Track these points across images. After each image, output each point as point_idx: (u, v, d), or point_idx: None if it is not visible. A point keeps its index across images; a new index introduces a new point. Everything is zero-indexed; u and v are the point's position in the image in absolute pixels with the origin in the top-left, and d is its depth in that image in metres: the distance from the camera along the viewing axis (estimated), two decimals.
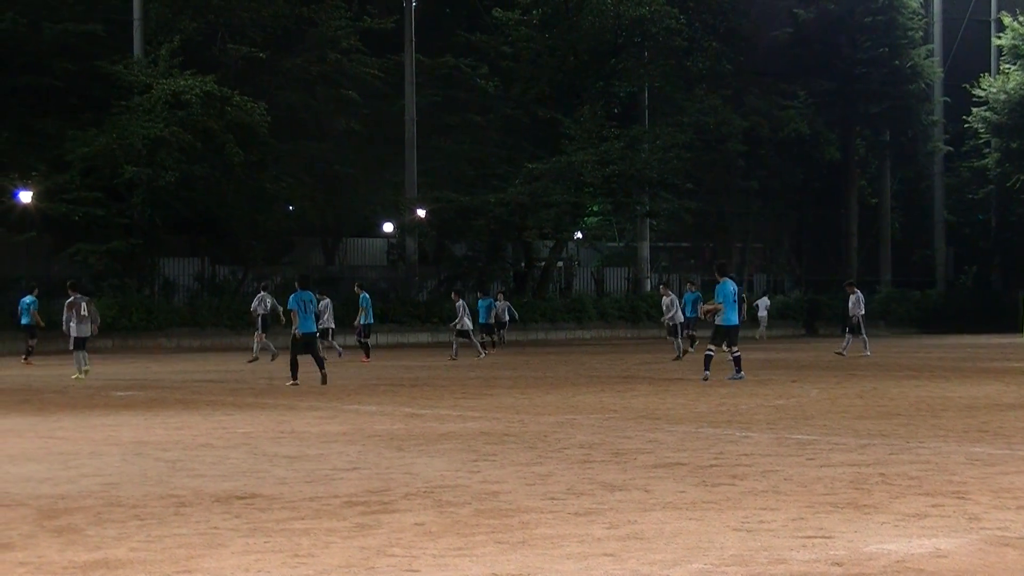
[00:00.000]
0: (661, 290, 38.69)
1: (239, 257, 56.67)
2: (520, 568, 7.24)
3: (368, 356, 37.53)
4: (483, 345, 42.54)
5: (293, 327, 25.81)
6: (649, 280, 66.94)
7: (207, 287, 55.49)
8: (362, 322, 38.20)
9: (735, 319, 25.71)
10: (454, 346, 39.41)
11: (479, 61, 61.78)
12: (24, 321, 38.54)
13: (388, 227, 64.97)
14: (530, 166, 58.36)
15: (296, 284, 26.79)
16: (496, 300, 48.09)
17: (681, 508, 9.32)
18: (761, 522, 8.69)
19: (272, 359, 36.00)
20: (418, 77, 60.37)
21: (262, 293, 37.90)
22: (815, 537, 8.16)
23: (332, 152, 58.45)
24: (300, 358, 25.85)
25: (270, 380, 27.89)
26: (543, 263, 65.86)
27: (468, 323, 39.62)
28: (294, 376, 25.51)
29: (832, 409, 18.46)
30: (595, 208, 66.92)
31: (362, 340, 38.32)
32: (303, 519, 8.98)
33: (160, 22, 55.02)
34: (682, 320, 36.79)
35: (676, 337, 36.50)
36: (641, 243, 68.16)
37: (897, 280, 75.36)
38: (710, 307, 26.85)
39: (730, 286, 25.80)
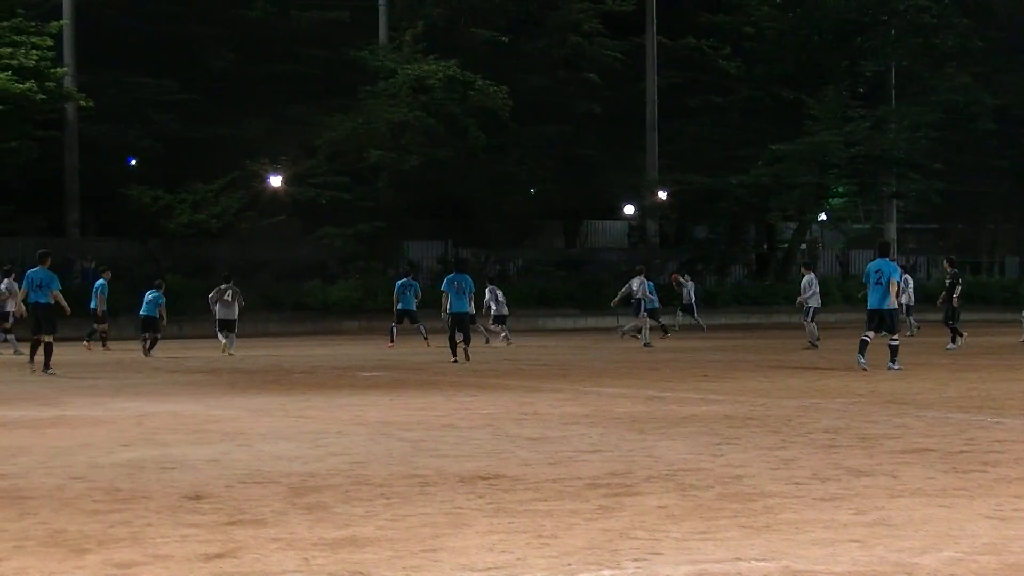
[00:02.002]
0: (803, 270, 37.55)
1: (482, 240, 57.26)
2: (764, 553, 7.15)
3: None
4: (664, 329, 41.69)
5: (444, 308, 28.39)
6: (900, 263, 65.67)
7: (450, 269, 56.25)
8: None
9: (875, 302, 23.69)
10: (504, 334, 38.34)
11: (721, 42, 61.19)
12: (92, 305, 35.91)
13: (629, 209, 65.01)
14: (773, 147, 57.75)
15: (453, 267, 29.28)
16: (683, 279, 47.40)
17: (930, 495, 9.09)
18: (1015, 510, 8.43)
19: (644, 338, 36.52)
20: (659, 59, 60.22)
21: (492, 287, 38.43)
22: None
23: (573, 135, 58.65)
24: (456, 336, 27.72)
25: (514, 362, 28.18)
26: (786, 245, 65.18)
27: (505, 310, 39.17)
28: (453, 353, 27.53)
29: None
30: (840, 189, 65.94)
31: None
32: (546, 500, 9.00)
33: (404, 8, 56.01)
34: (818, 305, 35.13)
35: (809, 321, 34.84)
36: (887, 224, 66.84)
37: None
38: None
39: (875, 266, 24.00)
